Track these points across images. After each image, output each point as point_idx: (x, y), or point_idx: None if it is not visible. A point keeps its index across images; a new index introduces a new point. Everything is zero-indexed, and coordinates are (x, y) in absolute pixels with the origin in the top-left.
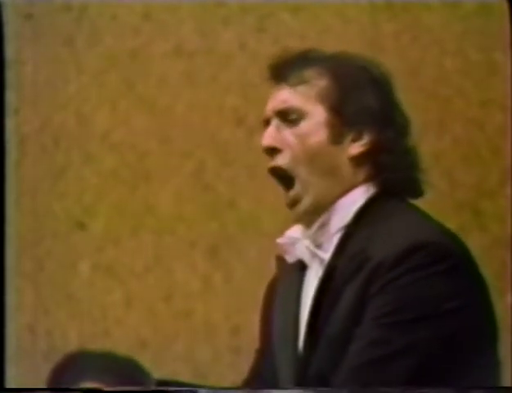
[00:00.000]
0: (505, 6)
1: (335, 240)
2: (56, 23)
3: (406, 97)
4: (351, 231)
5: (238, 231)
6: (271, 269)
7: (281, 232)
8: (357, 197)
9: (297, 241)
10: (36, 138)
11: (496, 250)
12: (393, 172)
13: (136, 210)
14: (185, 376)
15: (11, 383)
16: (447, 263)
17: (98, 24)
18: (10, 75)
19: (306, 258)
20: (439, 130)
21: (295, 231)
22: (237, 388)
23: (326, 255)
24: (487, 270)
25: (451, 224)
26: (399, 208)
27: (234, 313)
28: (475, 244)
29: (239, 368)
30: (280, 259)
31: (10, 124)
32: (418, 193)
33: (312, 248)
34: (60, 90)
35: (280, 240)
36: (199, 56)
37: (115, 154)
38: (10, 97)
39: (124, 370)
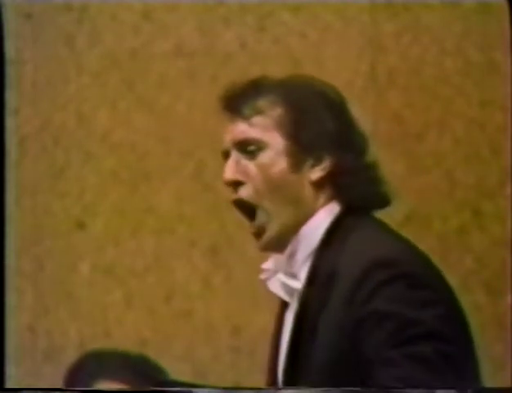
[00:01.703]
0: (505, 6)
1: (306, 268)
2: (56, 23)
3: (407, 97)
4: (320, 255)
5: (238, 231)
6: None
7: None
8: (321, 221)
9: (272, 275)
10: (36, 138)
11: (496, 250)
12: (354, 190)
13: (136, 209)
14: (185, 376)
15: (11, 383)
16: (411, 277)
17: (98, 24)
18: (10, 75)
19: (281, 294)
20: (439, 130)
21: (271, 262)
22: (236, 388)
23: (299, 284)
24: (487, 270)
25: (451, 224)
26: (363, 225)
27: (234, 313)
28: (475, 244)
29: (239, 368)
30: None
31: (10, 124)
32: (384, 204)
33: (284, 280)
34: (60, 90)
35: (261, 276)
36: (200, 56)
37: (115, 154)
38: (10, 97)
39: (137, 366)
